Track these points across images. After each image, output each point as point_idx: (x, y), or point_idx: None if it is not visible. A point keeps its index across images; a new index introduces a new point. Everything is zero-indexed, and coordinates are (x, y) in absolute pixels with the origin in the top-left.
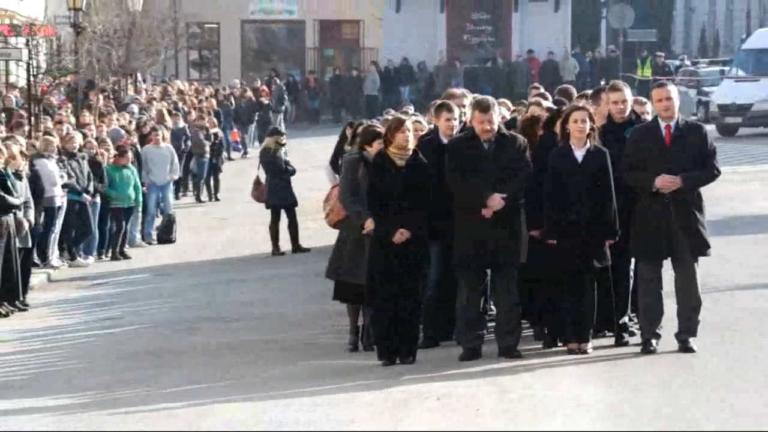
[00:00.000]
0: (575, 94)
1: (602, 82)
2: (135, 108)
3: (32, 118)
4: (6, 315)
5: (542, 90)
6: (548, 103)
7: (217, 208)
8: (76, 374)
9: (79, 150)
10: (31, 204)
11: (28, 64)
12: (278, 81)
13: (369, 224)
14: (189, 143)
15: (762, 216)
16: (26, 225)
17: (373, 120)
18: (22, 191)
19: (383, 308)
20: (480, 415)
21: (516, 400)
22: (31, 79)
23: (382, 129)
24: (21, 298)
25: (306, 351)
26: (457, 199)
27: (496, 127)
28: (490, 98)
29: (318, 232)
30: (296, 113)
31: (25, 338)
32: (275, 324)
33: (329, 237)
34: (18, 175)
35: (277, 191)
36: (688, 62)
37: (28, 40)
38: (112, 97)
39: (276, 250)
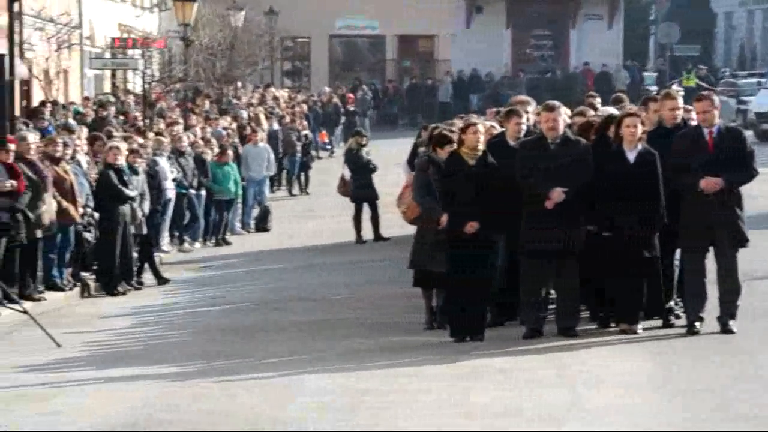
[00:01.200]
0: (627, 101)
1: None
2: (244, 113)
3: (146, 121)
4: (123, 293)
5: (597, 99)
6: (611, 109)
7: (307, 201)
8: (183, 346)
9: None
10: (147, 196)
11: (144, 73)
12: (365, 88)
13: (443, 219)
14: (282, 144)
15: None
16: (140, 214)
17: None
18: (138, 185)
19: (456, 292)
20: (540, 387)
21: (572, 374)
22: (146, 86)
23: (452, 135)
24: (136, 279)
25: (386, 328)
26: (524, 192)
27: (560, 126)
28: (557, 102)
29: (396, 223)
30: (377, 118)
31: (139, 314)
32: (358, 304)
33: (407, 227)
34: (134, 170)
35: (360, 186)
36: (728, 74)
37: (143, 52)
38: (215, 102)
39: (359, 238)
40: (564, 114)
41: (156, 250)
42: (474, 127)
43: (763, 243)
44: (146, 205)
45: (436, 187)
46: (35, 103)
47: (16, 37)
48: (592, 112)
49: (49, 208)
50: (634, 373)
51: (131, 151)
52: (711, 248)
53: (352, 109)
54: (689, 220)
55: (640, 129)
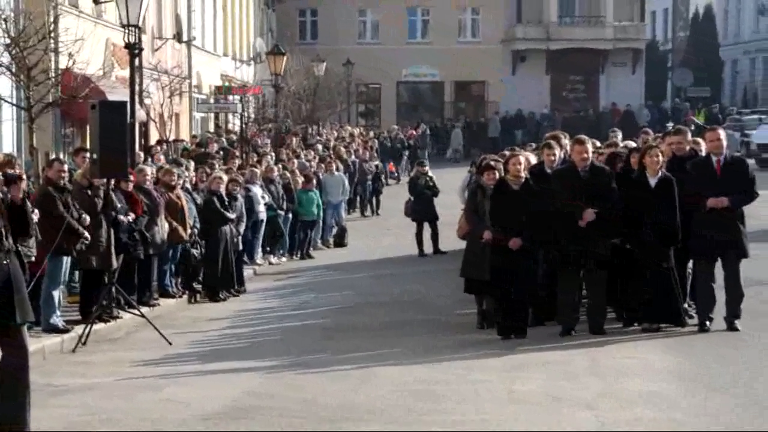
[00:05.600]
0: (651, 135)
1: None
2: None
3: (243, 155)
4: (224, 300)
5: (618, 135)
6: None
7: (378, 221)
8: (276, 343)
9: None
10: (243, 218)
11: (241, 115)
12: (424, 126)
13: (486, 235)
14: (356, 172)
15: None
16: (236, 233)
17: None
18: (236, 209)
19: (502, 297)
20: (575, 376)
21: (603, 365)
22: (243, 125)
23: (494, 163)
24: (235, 287)
25: (444, 328)
26: (560, 212)
27: (590, 157)
28: (585, 136)
29: (453, 239)
30: (437, 150)
31: (238, 317)
32: (420, 307)
33: (462, 243)
34: (233, 197)
35: (422, 208)
36: (734, 112)
37: (241, 97)
38: (302, 138)
39: (421, 252)
40: (591, 146)
41: (251, 263)
42: (516, 158)
43: (763, 255)
44: (242, 226)
45: (485, 208)
46: (152, 141)
47: (137, 87)
48: (620, 145)
49: (161, 229)
50: (654, 365)
51: (230, 180)
52: (718, 259)
53: (412, 143)
54: (700, 234)
55: (660, 159)
